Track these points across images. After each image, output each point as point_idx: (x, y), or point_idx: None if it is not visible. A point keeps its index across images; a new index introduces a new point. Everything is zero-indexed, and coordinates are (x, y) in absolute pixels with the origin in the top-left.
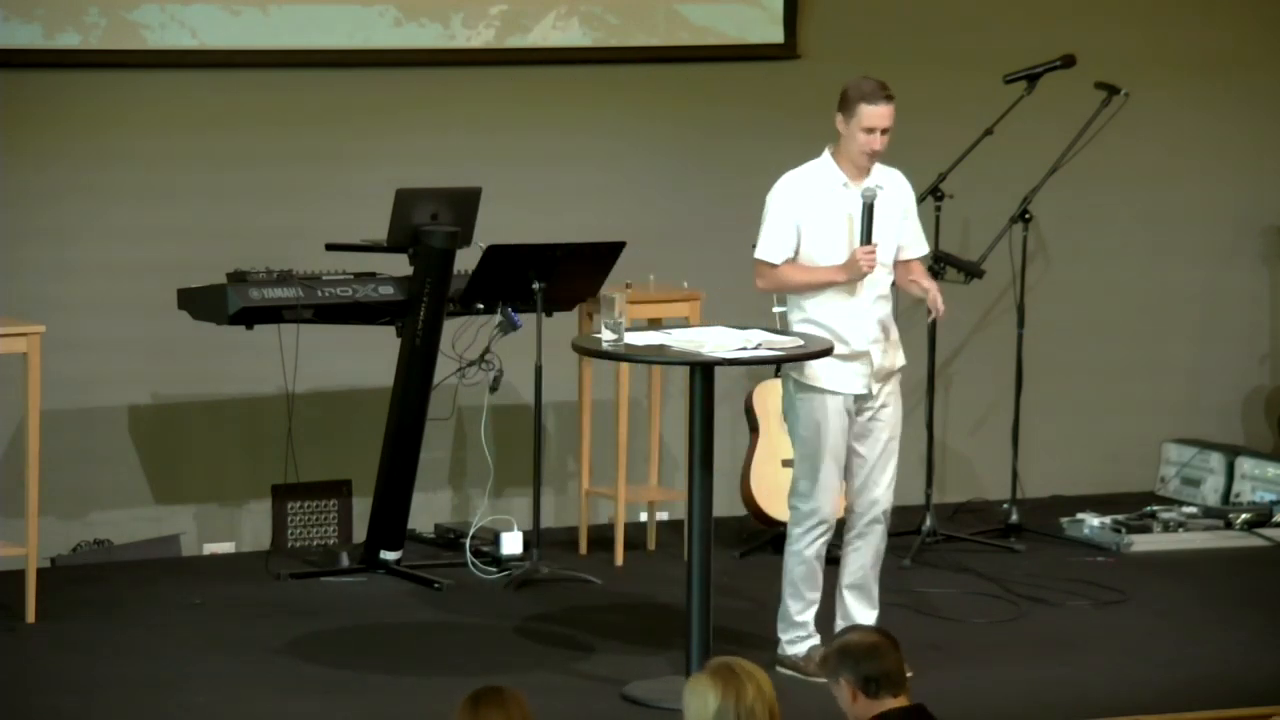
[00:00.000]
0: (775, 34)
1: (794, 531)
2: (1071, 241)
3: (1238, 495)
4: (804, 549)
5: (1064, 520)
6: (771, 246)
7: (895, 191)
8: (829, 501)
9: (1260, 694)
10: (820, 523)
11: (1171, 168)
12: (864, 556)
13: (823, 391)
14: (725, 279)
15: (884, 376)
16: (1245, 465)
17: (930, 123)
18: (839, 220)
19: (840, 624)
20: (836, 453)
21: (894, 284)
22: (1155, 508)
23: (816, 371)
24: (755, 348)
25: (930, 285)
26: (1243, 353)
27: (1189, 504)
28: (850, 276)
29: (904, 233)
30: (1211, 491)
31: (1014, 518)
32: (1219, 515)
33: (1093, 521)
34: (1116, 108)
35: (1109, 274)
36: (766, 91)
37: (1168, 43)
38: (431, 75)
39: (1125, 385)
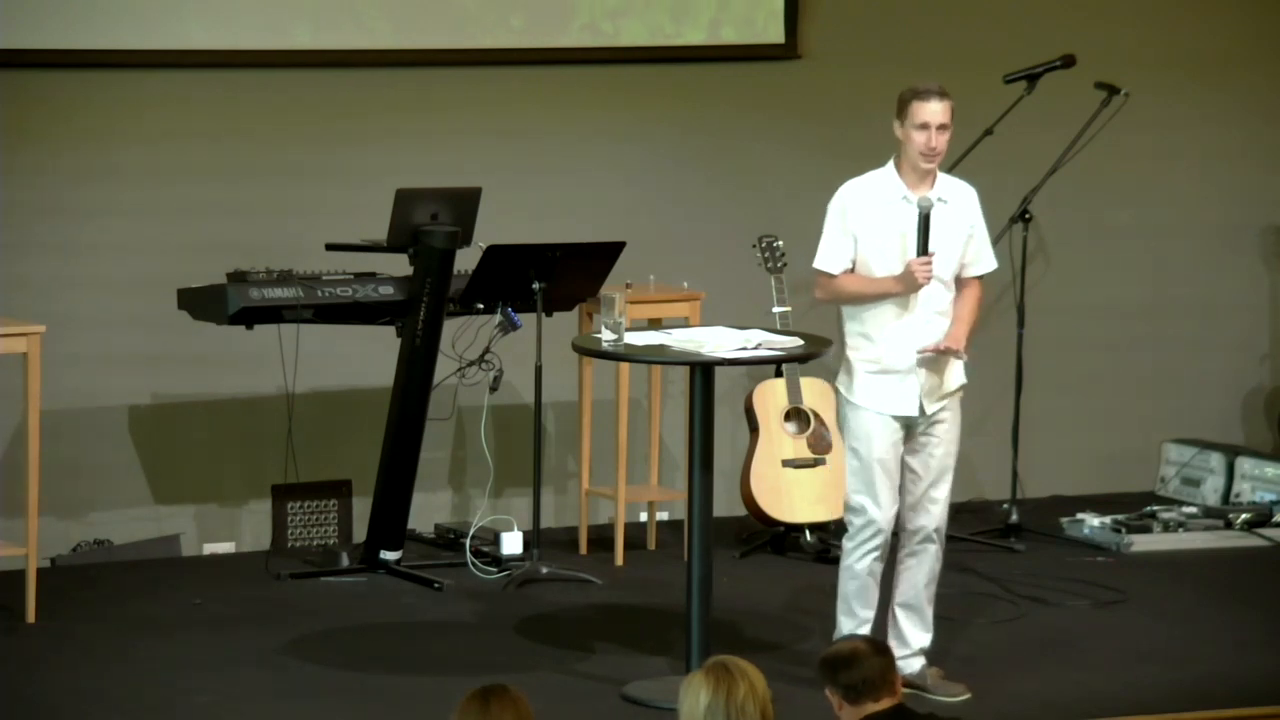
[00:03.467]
0: (776, 34)
1: (847, 545)
2: (1071, 241)
3: (1238, 495)
4: (855, 563)
5: (1064, 520)
6: (829, 256)
7: (961, 206)
8: (881, 514)
9: (1260, 694)
10: (874, 534)
11: (1171, 167)
12: (916, 576)
13: (868, 410)
14: (725, 279)
15: (938, 396)
16: (1245, 465)
17: None
18: (897, 232)
19: (894, 644)
20: (887, 465)
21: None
22: (1155, 508)
23: (862, 389)
24: (755, 348)
25: (954, 342)
26: (1242, 353)
27: (1189, 504)
28: (906, 288)
29: (968, 248)
30: (1211, 491)
31: (1014, 518)
32: (1219, 515)
33: (1093, 521)
34: (1116, 108)
35: (1109, 274)
36: (767, 92)
37: (1167, 43)
38: (432, 75)
39: (1125, 385)
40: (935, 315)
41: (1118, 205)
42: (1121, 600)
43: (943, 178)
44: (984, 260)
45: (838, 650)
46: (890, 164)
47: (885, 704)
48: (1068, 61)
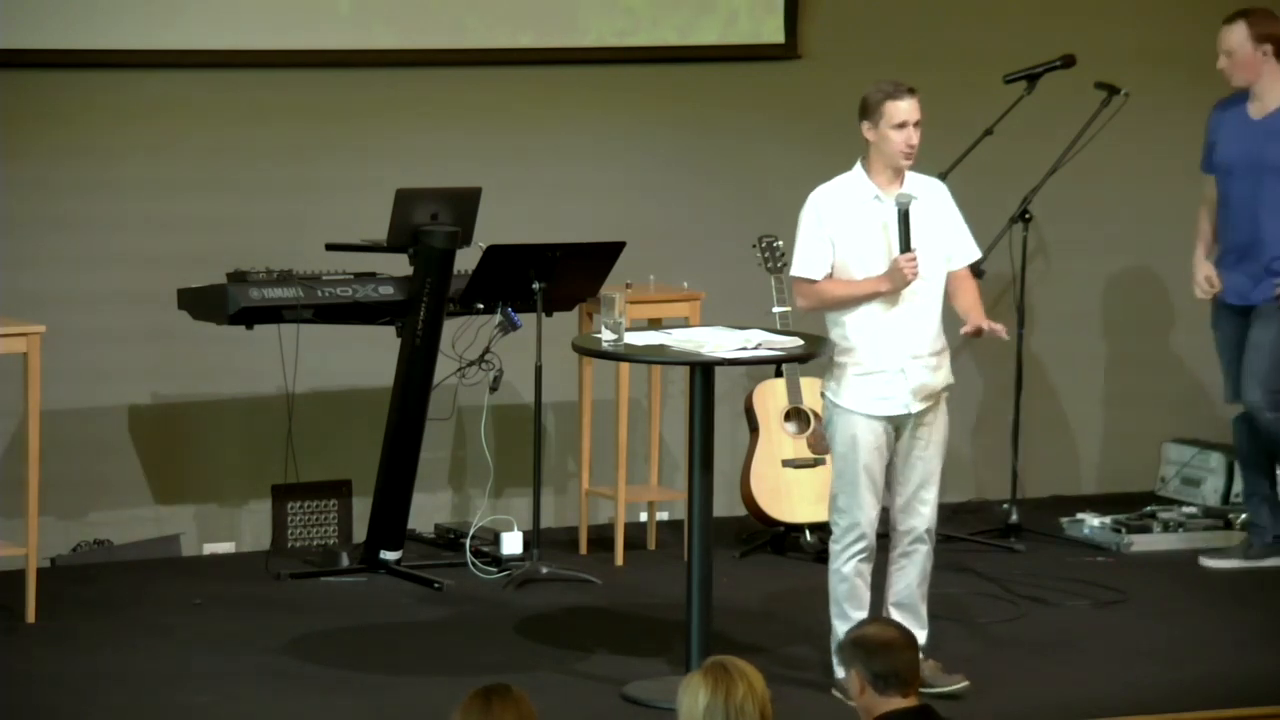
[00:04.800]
0: (776, 34)
1: (833, 549)
2: (1071, 241)
3: (1238, 495)
4: (842, 566)
5: (1064, 520)
6: (810, 262)
7: (933, 200)
8: (866, 517)
9: (1260, 694)
10: (859, 538)
11: (1171, 167)
12: (909, 576)
13: (855, 412)
14: (725, 279)
15: (926, 395)
16: None
17: (930, 122)
18: (874, 233)
19: None
20: (871, 469)
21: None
22: (1155, 508)
23: (849, 393)
24: (755, 348)
25: (985, 324)
26: None
27: (1189, 504)
28: (895, 286)
29: (949, 241)
30: (1211, 491)
31: (1014, 518)
32: (1219, 515)
33: (1093, 521)
34: (1116, 108)
35: (1109, 273)
36: (767, 92)
37: (1167, 43)
38: (432, 75)
39: (1125, 385)
40: (919, 313)
41: (1118, 205)
42: (1121, 600)
43: (910, 175)
44: (967, 249)
45: (871, 634)
46: (858, 166)
47: (912, 700)
48: (1068, 61)
